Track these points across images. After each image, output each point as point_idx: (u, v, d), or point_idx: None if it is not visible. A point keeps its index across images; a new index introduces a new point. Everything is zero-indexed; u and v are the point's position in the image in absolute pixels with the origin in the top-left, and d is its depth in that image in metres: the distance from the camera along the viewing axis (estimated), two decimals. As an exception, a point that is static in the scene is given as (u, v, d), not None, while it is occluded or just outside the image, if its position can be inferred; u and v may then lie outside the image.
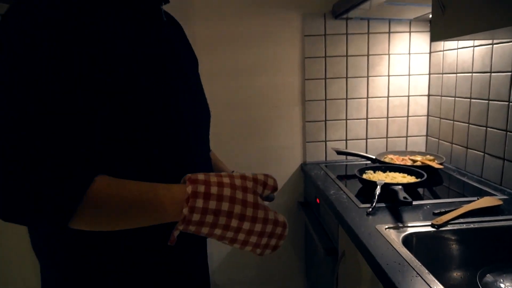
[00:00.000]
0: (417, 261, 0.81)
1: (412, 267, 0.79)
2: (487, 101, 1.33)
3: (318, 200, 1.47)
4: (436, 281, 0.74)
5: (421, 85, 1.71)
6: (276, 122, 1.72)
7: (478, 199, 1.13)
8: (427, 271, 0.77)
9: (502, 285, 0.82)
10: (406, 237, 0.95)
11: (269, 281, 1.86)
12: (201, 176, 0.55)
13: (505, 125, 1.25)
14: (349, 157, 1.76)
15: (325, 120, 1.72)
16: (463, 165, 1.49)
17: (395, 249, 0.87)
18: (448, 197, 1.21)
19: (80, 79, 0.51)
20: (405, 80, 1.70)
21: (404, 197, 1.07)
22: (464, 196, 1.22)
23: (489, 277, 0.86)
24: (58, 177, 0.48)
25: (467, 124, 1.45)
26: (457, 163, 1.52)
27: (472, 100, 1.41)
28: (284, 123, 1.72)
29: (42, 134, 0.48)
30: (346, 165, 1.71)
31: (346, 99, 1.71)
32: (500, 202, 1.10)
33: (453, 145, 1.55)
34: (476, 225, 0.99)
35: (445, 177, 1.46)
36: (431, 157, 1.56)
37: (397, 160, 1.58)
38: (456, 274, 0.98)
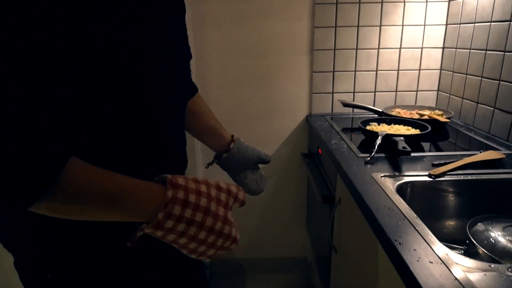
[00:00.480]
0: (407, 207, 0.82)
1: (401, 212, 0.80)
2: (503, 53, 1.26)
3: (320, 151, 1.47)
4: (423, 224, 0.75)
5: (436, 36, 1.63)
6: (283, 72, 1.68)
7: (481, 152, 1.12)
8: (415, 215, 0.78)
9: (492, 233, 0.82)
10: (401, 185, 0.95)
11: (271, 229, 1.92)
12: (181, 181, 0.53)
13: (519, 78, 1.19)
14: (356, 110, 1.73)
15: (333, 71, 1.67)
16: (472, 120, 1.45)
17: (387, 195, 0.88)
18: (452, 151, 1.19)
19: (52, 41, 0.43)
20: (419, 30, 1.62)
21: (403, 147, 1.06)
22: (468, 150, 1.20)
23: (479, 226, 0.86)
24: (32, 152, 0.42)
25: (480, 78, 1.39)
26: (466, 119, 1.49)
27: (487, 52, 1.34)
28: (291, 73, 1.68)
29: (15, 103, 0.41)
30: (352, 118, 1.69)
31: (356, 49, 1.64)
32: (503, 156, 1.08)
33: (464, 100, 1.51)
34: (474, 177, 0.98)
35: (452, 132, 1.43)
36: (440, 112, 1.52)
37: (405, 114, 1.55)
38: (448, 223, 0.99)
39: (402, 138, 1.14)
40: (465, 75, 1.49)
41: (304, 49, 1.65)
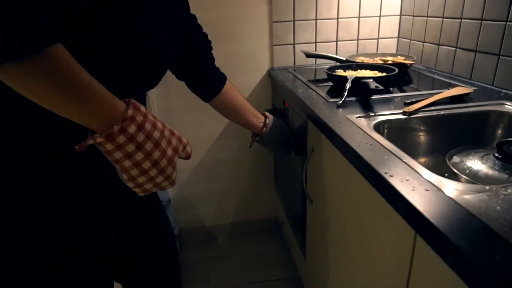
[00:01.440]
0: (389, 142, 0.78)
1: (384, 147, 0.76)
2: (464, -11, 1.24)
3: (286, 104, 1.41)
4: (409, 157, 0.71)
5: (395, -20, 1.59)
6: (241, 23, 1.57)
7: (448, 89, 1.11)
8: (399, 149, 0.74)
9: (471, 162, 0.81)
10: (378, 124, 0.91)
11: (239, 193, 1.86)
12: (143, 108, 0.56)
13: (481, 13, 1.18)
14: (319, 61, 1.68)
15: (294, 20, 1.59)
16: (434, 63, 1.44)
17: (366, 133, 0.83)
18: (420, 91, 1.17)
19: None
20: (379, -27, 1.57)
21: (376, 86, 1.02)
22: (435, 89, 1.18)
23: (457, 158, 0.85)
24: (33, 14, 0.43)
25: (441, 19, 1.38)
26: (428, 63, 1.48)
27: (448, -10, 1.32)
28: (249, 24, 1.57)
29: None
30: (315, 69, 1.63)
31: (316, -5, 1.56)
32: (471, 90, 1.07)
33: (425, 43, 1.49)
34: (446, 112, 0.96)
35: (414, 76, 1.42)
36: (402, 57, 1.51)
37: (368, 61, 1.51)
38: (425, 159, 0.98)
39: (371, 80, 1.10)
40: (425, 18, 1.47)
41: (262, -4, 1.54)
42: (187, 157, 0.65)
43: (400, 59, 1.49)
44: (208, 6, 1.51)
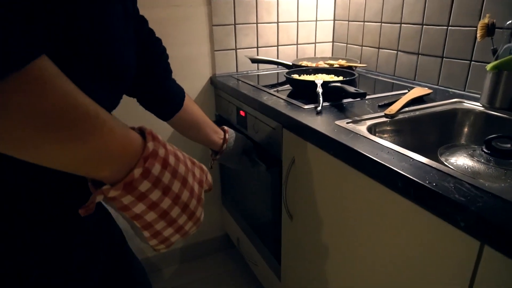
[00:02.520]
0: (401, 147, 0.74)
1: (401, 153, 0.72)
2: (403, -4, 1.31)
3: (242, 113, 1.30)
4: (433, 161, 0.68)
5: (328, -15, 1.62)
6: (179, 26, 1.40)
7: (409, 90, 1.14)
8: (417, 154, 0.71)
9: (460, 160, 0.83)
10: (370, 128, 0.88)
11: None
12: (160, 137, 0.42)
13: (421, 19, 1.26)
14: (261, 67, 1.61)
15: (234, 24, 1.49)
16: (374, 66, 1.51)
17: (371, 140, 0.79)
18: (378, 93, 1.19)
19: None
20: (314, -22, 1.58)
21: (355, 89, 0.99)
22: (392, 91, 1.22)
23: (447, 154, 0.87)
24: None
25: (379, 24, 1.44)
26: (368, 66, 1.54)
27: (386, -4, 1.38)
28: (188, 27, 1.42)
29: None
30: (258, 75, 1.56)
31: (256, -3, 1.49)
32: (430, 91, 1.13)
33: (363, 47, 1.55)
34: (422, 112, 0.99)
35: (358, 79, 1.45)
36: (344, 61, 1.53)
37: (311, 65, 1.50)
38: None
39: (338, 83, 1.07)
40: (362, 23, 1.53)
41: (201, -3, 1.40)
42: (210, 189, 0.50)
43: (342, 62, 1.51)
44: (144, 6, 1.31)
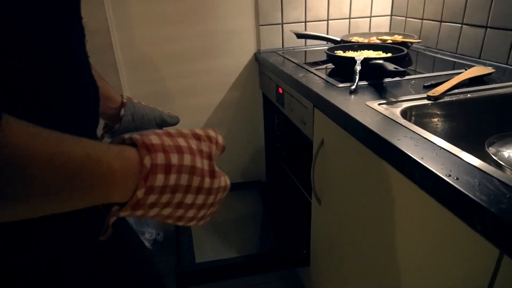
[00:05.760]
0: (431, 134, 0.65)
1: (428, 140, 0.63)
2: (473, -41, 1.13)
3: (280, 90, 1.26)
4: (465, 152, 0.59)
5: (389, -49, 1.46)
6: (222, 1, 1.38)
7: (466, 69, 1.00)
8: (448, 143, 0.62)
9: (506, 151, 0.71)
10: (404, 111, 0.79)
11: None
12: (155, 139, 0.39)
13: (493, -14, 1.08)
14: (309, 43, 1.53)
15: (281, -3, 1.43)
16: (435, 42, 1.34)
17: (399, 123, 0.71)
18: (431, 72, 1.06)
19: None
20: None
21: (394, 67, 0.89)
22: (448, 69, 1.08)
23: (497, 145, 0.75)
24: None
25: (443, -7, 1.27)
26: (427, 42, 1.38)
27: (453, -40, 1.21)
28: (231, 2, 1.39)
29: None
30: (306, 51, 1.49)
31: (306, -32, 1.41)
32: (492, 70, 0.97)
33: (424, 21, 1.39)
34: (474, 95, 0.86)
35: (414, 57, 1.31)
36: (400, 36, 1.39)
37: (363, 41, 1.39)
38: (464, 148, 0.87)
39: (382, 61, 0.97)
40: (425, -8, 1.36)
41: (246, -31, 1.36)
42: (223, 150, 0.49)
43: (398, 38, 1.37)
44: (185, -20, 1.32)
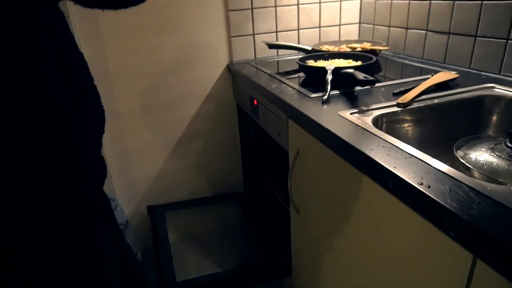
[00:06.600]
0: (402, 142, 0.67)
1: (400, 148, 0.65)
2: (433, -31, 1.18)
3: (255, 102, 1.26)
4: (433, 158, 0.60)
5: (354, -38, 1.50)
6: (194, 13, 1.38)
7: (432, 75, 1.03)
8: (419, 151, 0.63)
9: (479, 156, 0.73)
10: (376, 119, 0.81)
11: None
12: None
13: (453, -6, 1.12)
14: (281, 52, 1.55)
15: (252, 8, 1.43)
16: (402, 48, 1.38)
17: (371, 132, 0.72)
18: (399, 79, 1.09)
19: None
20: (338, -45, 1.47)
21: (364, 77, 0.91)
22: (416, 75, 1.11)
23: (465, 149, 0.77)
24: None
25: (407, 1, 1.31)
26: (395, 48, 1.42)
27: (415, -30, 1.25)
28: (203, 13, 1.39)
29: None
30: (278, 61, 1.50)
31: (274, -21, 1.42)
32: (456, 75, 1.01)
33: (391, 28, 1.43)
34: (441, 100, 0.88)
35: (383, 63, 1.34)
36: (368, 44, 1.43)
37: (334, 50, 1.41)
38: (433, 153, 0.89)
39: (352, 69, 0.99)
40: (390, 1, 1.40)
41: (215, -18, 1.36)
42: None
43: (367, 45, 1.40)
44: (154, -6, 1.31)
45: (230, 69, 1.48)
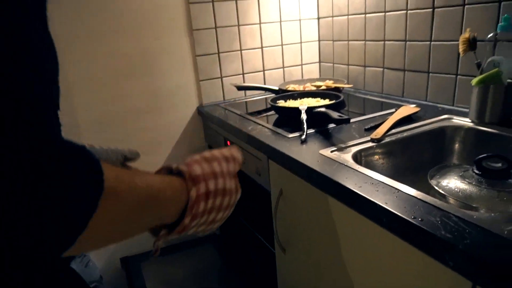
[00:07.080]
0: (387, 177, 0.71)
1: (386, 184, 0.69)
2: (383, 13, 1.30)
3: (229, 143, 1.28)
4: (418, 191, 0.65)
5: (311, 6, 1.62)
6: (162, 58, 1.40)
7: (396, 110, 1.12)
8: (405, 185, 0.68)
9: (451, 183, 0.79)
10: (355, 155, 0.85)
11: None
12: (197, 169, 0.46)
13: (404, 35, 1.24)
14: (249, 93, 1.60)
15: (218, 52, 1.48)
16: (362, 84, 1.49)
17: (356, 170, 0.76)
18: (365, 115, 1.17)
19: None
20: (295, 2, 1.58)
21: (339, 115, 0.96)
22: (378, 111, 1.19)
23: (437, 178, 0.83)
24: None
25: (363, 42, 1.43)
26: (356, 84, 1.52)
27: (367, 15, 1.37)
28: (172, 58, 1.41)
29: None
30: (246, 102, 1.54)
31: (238, 25, 1.49)
32: (418, 109, 1.10)
33: (350, 66, 1.53)
34: (409, 133, 0.96)
35: (346, 99, 1.43)
36: (331, 81, 1.52)
37: (299, 88, 1.49)
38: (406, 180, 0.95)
39: (324, 109, 1.05)
40: (347, 42, 1.52)
41: (181, 29, 1.40)
42: (240, 166, 0.55)
43: (330, 83, 1.49)
44: (123, 39, 1.32)
45: (200, 111, 1.49)
